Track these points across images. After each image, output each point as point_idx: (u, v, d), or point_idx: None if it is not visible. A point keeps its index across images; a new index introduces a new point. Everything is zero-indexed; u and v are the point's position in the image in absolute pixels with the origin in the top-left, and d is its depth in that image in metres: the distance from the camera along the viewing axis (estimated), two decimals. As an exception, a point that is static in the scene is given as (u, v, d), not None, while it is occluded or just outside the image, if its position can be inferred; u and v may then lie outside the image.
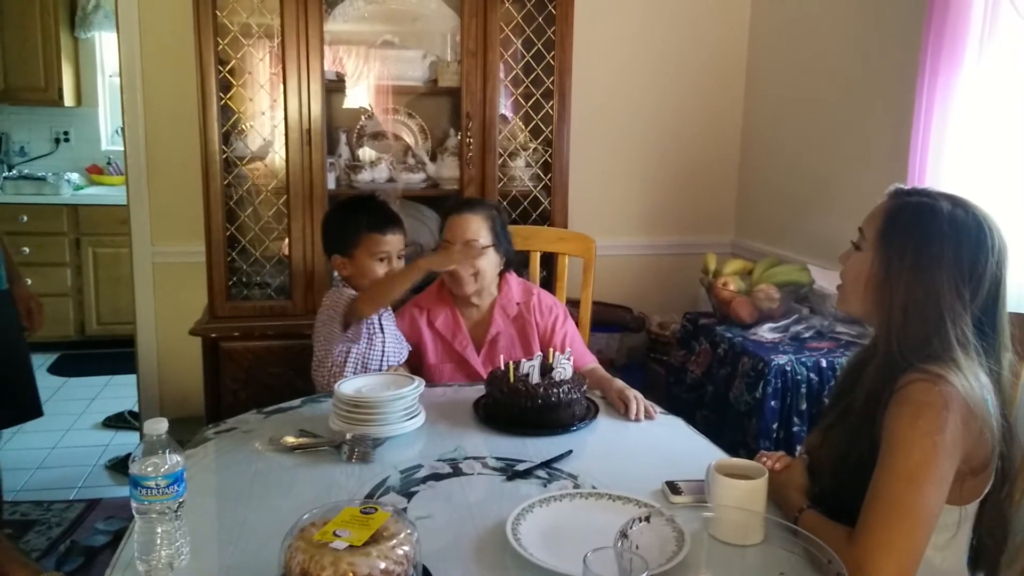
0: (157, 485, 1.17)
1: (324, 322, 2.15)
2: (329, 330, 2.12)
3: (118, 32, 3.05)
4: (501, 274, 2.29)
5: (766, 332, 2.58)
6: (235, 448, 1.69)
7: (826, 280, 2.66)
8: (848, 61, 2.83)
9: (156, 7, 3.02)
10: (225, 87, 2.69)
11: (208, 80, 2.60)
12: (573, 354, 2.21)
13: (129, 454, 3.51)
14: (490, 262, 2.21)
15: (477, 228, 2.19)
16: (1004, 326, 1.30)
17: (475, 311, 2.28)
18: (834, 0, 2.91)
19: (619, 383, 2.02)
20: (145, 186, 3.13)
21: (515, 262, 2.34)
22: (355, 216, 2.16)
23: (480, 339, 2.25)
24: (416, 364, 2.25)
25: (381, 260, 2.14)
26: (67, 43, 5.02)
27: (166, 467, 1.18)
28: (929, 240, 1.27)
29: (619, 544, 1.07)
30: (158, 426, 1.19)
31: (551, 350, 1.93)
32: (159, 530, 1.19)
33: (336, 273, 2.77)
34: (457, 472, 1.59)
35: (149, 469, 1.17)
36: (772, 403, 2.37)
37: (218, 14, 2.60)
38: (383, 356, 2.18)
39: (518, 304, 2.27)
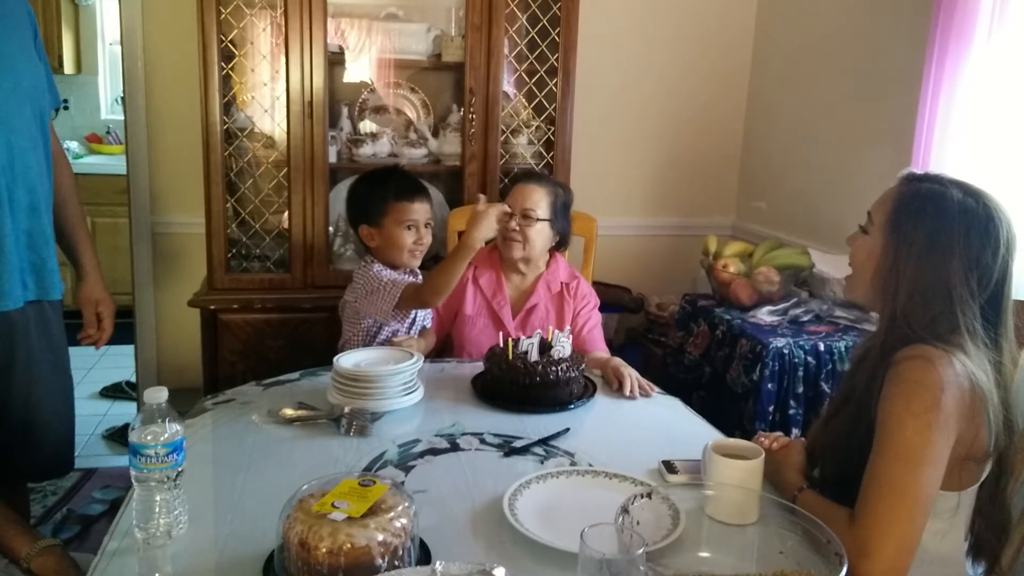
0: (156, 454, 1.17)
1: (355, 300, 2.14)
2: (360, 307, 2.11)
3: (119, -1, 3.02)
4: (552, 252, 2.32)
5: (765, 315, 2.58)
6: (233, 419, 1.70)
7: (826, 264, 2.66)
8: (854, 43, 2.81)
9: (158, -26, 2.99)
10: (227, 57, 2.66)
11: (210, 50, 2.57)
12: (591, 341, 2.24)
13: (127, 424, 3.56)
14: (541, 234, 2.23)
15: (538, 199, 2.22)
16: (1008, 317, 1.30)
17: (520, 279, 2.31)
18: (842, -18, 2.89)
19: (616, 360, 2.03)
20: (145, 156, 3.10)
21: (567, 244, 2.37)
22: (382, 186, 2.18)
23: (519, 306, 2.29)
24: (455, 310, 2.28)
25: (409, 228, 2.14)
26: (67, 10, 4.97)
27: (165, 436, 1.18)
28: (938, 229, 1.26)
29: (620, 520, 1.07)
30: (158, 395, 1.19)
31: (550, 328, 1.93)
32: (158, 498, 1.20)
33: (340, 247, 2.79)
34: (455, 447, 1.60)
35: (149, 438, 1.17)
36: (769, 386, 2.37)
37: (221, -18, 2.57)
38: (412, 327, 2.18)
39: (562, 283, 2.30)
